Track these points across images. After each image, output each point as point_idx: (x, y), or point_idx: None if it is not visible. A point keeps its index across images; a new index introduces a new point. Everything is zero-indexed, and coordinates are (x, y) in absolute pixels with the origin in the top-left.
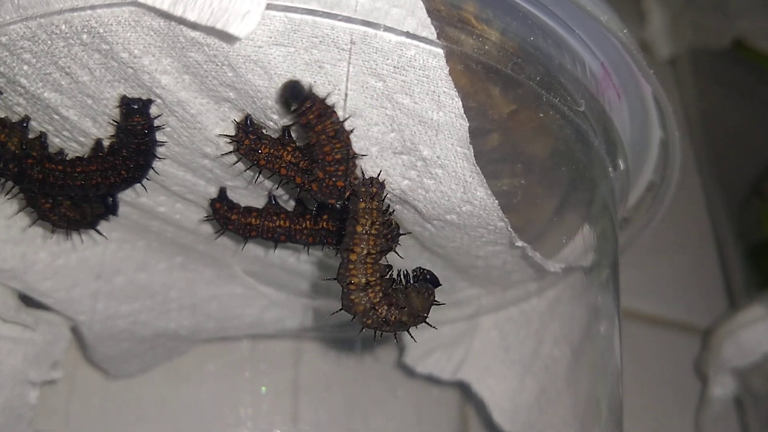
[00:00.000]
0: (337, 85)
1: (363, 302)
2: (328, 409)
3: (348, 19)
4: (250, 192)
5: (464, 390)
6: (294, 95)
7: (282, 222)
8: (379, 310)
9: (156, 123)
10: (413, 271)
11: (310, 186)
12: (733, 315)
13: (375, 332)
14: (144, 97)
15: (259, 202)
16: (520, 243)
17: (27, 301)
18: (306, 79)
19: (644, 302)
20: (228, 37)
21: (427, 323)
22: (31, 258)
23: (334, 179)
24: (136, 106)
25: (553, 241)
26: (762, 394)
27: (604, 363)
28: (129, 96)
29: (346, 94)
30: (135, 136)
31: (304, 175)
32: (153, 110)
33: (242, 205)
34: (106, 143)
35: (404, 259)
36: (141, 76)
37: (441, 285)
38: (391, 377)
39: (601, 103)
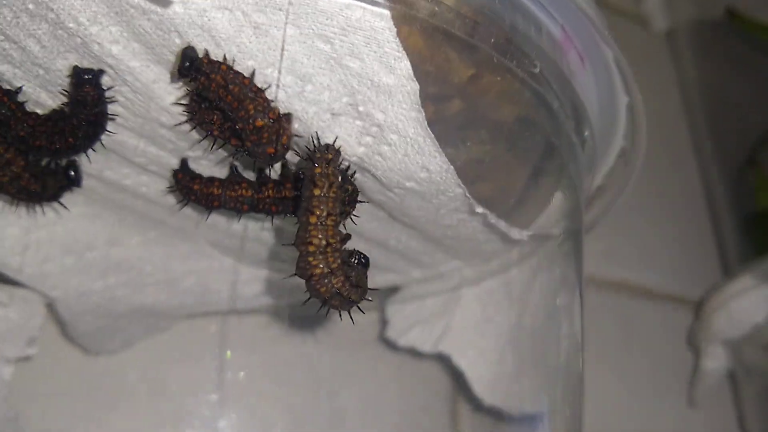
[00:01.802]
0: (285, 49)
1: (320, 266)
2: (309, 386)
3: None
4: (213, 162)
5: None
6: (184, 62)
7: (244, 191)
8: (335, 280)
9: (109, 94)
10: (347, 252)
11: (245, 152)
12: (725, 286)
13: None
14: (95, 68)
15: (224, 173)
16: (480, 209)
17: (1, 278)
18: (251, 44)
19: (637, 273)
20: (165, 2)
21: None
22: (0, 234)
23: (261, 147)
24: (87, 77)
25: (526, 209)
26: (754, 365)
27: (571, 333)
28: (80, 66)
29: (281, 58)
30: (85, 107)
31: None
32: (105, 80)
33: (205, 176)
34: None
35: (376, 231)
36: (90, 45)
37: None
38: (373, 351)
39: (561, 66)
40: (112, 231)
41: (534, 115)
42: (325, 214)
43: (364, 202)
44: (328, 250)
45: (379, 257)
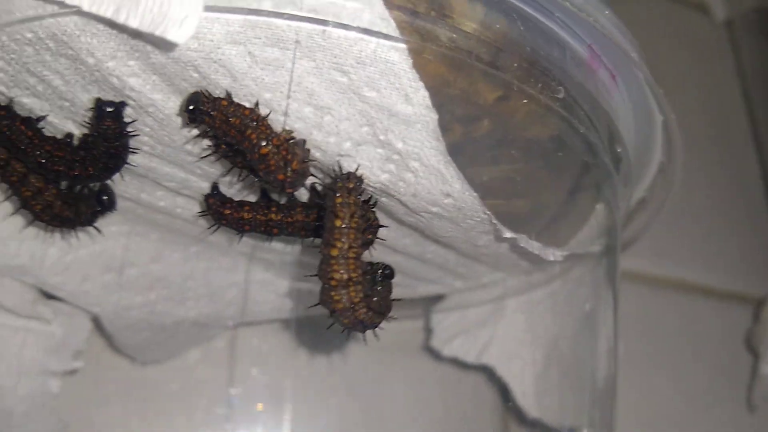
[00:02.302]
0: (300, 82)
1: (343, 300)
2: (354, 393)
3: (295, 17)
4: (244, 186)
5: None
6: (188, 106)
7: (274, 215)
8: (358, 312)
9: (133, 126)
10: (372, 265)
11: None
12: None
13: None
14: (117, 100)
15: (256, 195)
16: (508, 234)
17: (45, 294)
18: (267, 77)
19: (694, 271)
20: (170, 46)
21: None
22: (40, 254)
23: (272, 175)
24: (108, 110)
25: (563, 225)
26: None
27: (609, 348)
28: (102, 99)
29: (288, 93)
30: (106, 139)
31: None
32: (128, 112)
33: (235, 200)
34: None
35: (411, 246)
36: (109, 79)
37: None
38: (417, 360)
39: (588, 87)
40: (152, 247)
41: (564, 135)
42: (346, 246)
43: (385, 226)
44: (350, 284)
45: (418, 269)
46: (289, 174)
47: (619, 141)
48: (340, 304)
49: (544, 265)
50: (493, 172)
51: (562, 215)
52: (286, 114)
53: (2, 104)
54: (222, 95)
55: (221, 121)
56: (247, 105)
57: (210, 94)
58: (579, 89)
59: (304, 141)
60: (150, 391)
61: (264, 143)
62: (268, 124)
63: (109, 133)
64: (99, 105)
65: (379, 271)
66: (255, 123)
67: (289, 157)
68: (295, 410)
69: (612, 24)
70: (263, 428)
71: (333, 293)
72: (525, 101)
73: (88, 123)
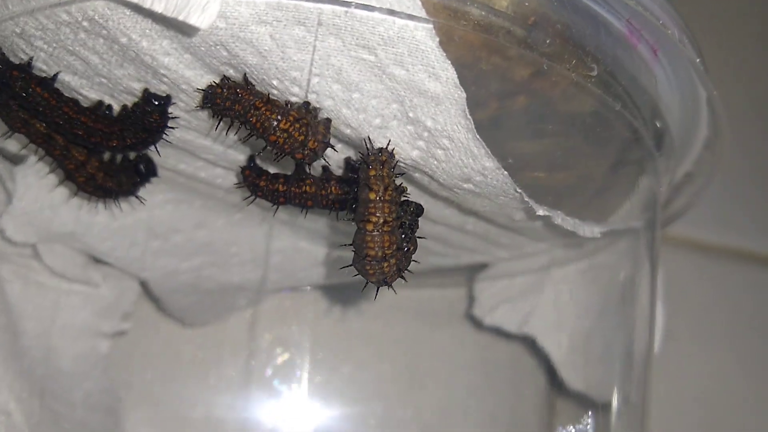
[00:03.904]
0: (327, 60)
1: (377, 273)
2: (392, 359)
3: None
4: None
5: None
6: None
7: (308, 188)
8: (389, 278)
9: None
10: (402, 205)
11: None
12: None
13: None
14: (165, 95)
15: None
16: (541, 212)
17: (95, 258)
18: (295, 56)
19: (747, 239)
20: (192, 30)
21: None
22: (88, 221)
23: (292, 155)
24: (156, 103)
25: (606, 199)
26: None
27: (650, 324)
28: (150, 91)
29: (310, 71)
30: (146, 131)
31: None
32: (163, 89)
33: (271, 172)
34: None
35: (451, 218)
36: (143, 57)
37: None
38: (459, 327)
39: (625, 63)
40: (197, 214)
41: (603, 111)
42: (381, 221)
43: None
44: (385, 260)
45: (460, 239)
46: (306, 152)
47: (660, 117)
48: (374, 277)
49: (581, 239)
50: (533, 146)
51: (606, 189)
52: (308, 91)
53: (17, 64)
54: (250, 73)
55: (236, 112)
56: (276, 83)
57: (222, 85)
58: (616, 65)
59: (316, 112)
60: (195, 352)
61: (273, 132)
62: (279, 104)
63: (153, 125)
64: (147, 97)
65: (411, 209)
66: (262, 104)
67: (303, 137)
68: (335, 373)
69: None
70: (304, 389)
71: (368, 267)
72: (560, 77)
73: (132, 110)
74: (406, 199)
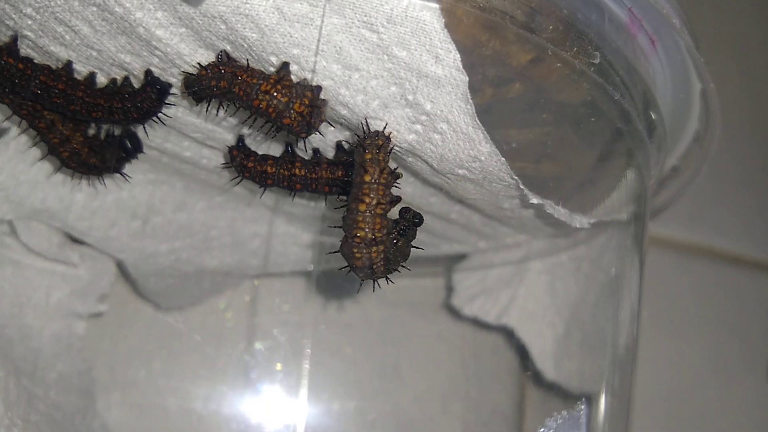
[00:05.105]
0: (329, 39)
1: (363, 258)
2: (371, 349)
3: None
4: (269, 138)
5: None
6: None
7: (298, 170)
8: (376, 269)
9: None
10: (400, 211)
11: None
12: None
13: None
14: (165, 82)
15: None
16: (535, 200)
17: (73, 239)
18: (296, 33)
19: (725, 241)
20: (197, 2)
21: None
22: (68, 199)
23: (278, 122)
24: (157, 87)
25: (593, 190)
26: None
27: (632, 316)
28: (154, 75)
29: (317, 48)
30: (138, 111)
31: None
32: (155, 62)
33: (259, 153)
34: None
35: (437, 205)
36: (137, 29)
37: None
38: (437, 316)
39: (625, 52)
40: (178, 196)
41: (597, 101)
42: (375, 202)
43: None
44: (373, 243)
45: (442, 228)
46: (294, 116)
47: (654, 108)
48: (360, 262)
49: (569, 230)
50: (523, 134)
51: (592, 181)
52: (314, 71)
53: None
54: (248, 48)
55: (221, 90)
56: (274, 59)
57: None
58: (616, 54)
59: (304, 83)
60: (171, 336)
61: (256, 96)
62: (259, 75)
63: (145, 107)
64: (149, 81)
65: (409, 215)
66: (241, 78)
67: (286, 99)
68: (312, 364)
69: None
70: (281, 383)
71: (355, 250)
72: (559, 65)
73: (129, 91)
74: (406, 207)
